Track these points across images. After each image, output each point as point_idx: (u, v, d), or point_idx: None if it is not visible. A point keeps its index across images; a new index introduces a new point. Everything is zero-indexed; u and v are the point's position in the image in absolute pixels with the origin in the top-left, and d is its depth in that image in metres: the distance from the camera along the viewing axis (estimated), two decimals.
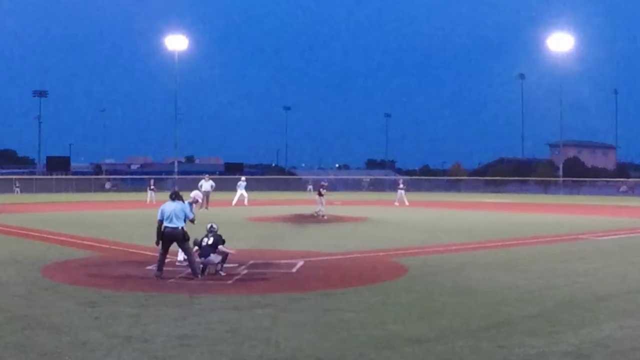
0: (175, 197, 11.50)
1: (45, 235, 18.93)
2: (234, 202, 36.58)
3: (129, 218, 26.90)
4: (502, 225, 23.94)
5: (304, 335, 7.33)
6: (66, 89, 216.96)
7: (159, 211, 11.31)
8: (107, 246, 16.32)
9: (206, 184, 33.25)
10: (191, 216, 11.58)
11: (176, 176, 67.16)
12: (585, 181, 67.86)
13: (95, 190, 61.74)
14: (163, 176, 71.96)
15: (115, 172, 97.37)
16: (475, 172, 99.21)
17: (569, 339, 7.18)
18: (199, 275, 11.06)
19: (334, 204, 33.07)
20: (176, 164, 77.37)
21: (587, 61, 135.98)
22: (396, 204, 38.04)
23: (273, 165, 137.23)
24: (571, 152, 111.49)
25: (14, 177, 63.75)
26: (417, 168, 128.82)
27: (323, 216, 26.64)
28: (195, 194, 12.74)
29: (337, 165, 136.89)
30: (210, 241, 11.42)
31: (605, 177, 79.49)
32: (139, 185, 59.50)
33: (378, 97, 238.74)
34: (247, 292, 9.94)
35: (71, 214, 29.99)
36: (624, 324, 7.98)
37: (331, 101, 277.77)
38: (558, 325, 7.85)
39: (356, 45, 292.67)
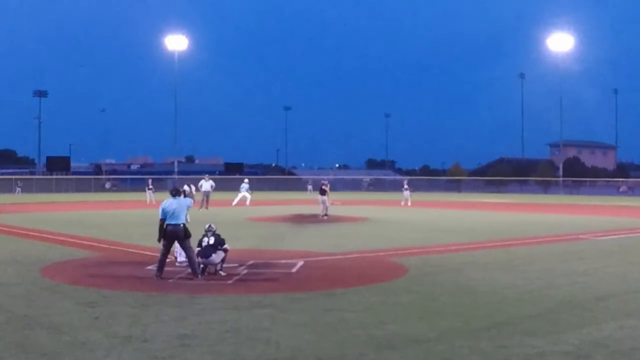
0: (176, 193, 11.53)
1: (45, 235, 18.93)
2: (235, 202, 36.62)
3: (129, 218, 26.90)
4: (502, 225, 23.93)
5: (304, 335, 7.33)
6: (66, 89, 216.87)
7: (160, 209, 11.29)
8: (107, 246, 16.31)
9: (206, 184, 33.26)
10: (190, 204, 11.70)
11: (176, 176, 67.12)
12: (585, 181, 67.90)
13: (95, 190, 61.83)
14: (163, 176, 71.97)
15: (115, 172, 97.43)
16: (475, 172, 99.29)
17: (569, 339, 7.18)
18: (199, 275, 11.06)
19: (334, 204, 33.00)
20: (176, 164, 77.41)
21: (587, 61, 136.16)
22: (402, 204, 38.60)
23: (273, 165, 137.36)
24: (571, 152, 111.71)
25: (15, 177, 63.85)
26: (417, 168, 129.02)
27: (323, 216, 26.63)
28: (186, 187, 12.61)
29: (337, 165, 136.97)
30: (212, 241, 11.42)
31: (605, 177, 79.60)
32: (138, 186, 59.45)
33: (378, 97, 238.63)
34: (247, 292, 9.94)
35: (71, 214, 30.00)
36: (624, 324, 7.98)
37: (331, 101, 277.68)
38: (558, 325, 7.85)
39: (356, 45, 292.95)
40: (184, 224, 11.24)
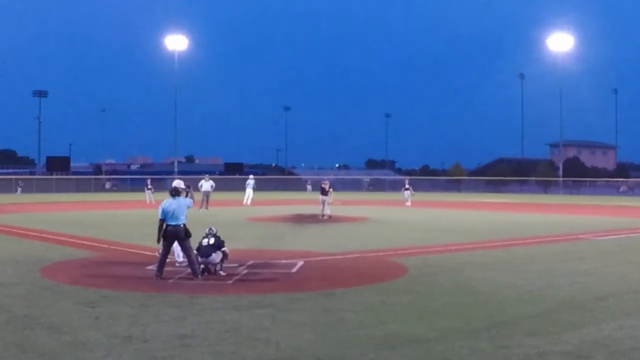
0: (175, 193, 11.51)
1: (45, 235, 18.93)
2: (245, 201, 36.91)
3: (129, 218, 26.90)
4: (502, 225, 23.93)
5: (304, 335, 7.33)
6: (66, 89, 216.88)
7: (160, 209, 11.29)
8: (107, 246, 16.31)
9: (206, 184, 33.26)
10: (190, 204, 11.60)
11: (176, 176, 67.08)
12: (585, 181, 67.89)
13: (95, 190, 61.80)
14: (163, 176, 71.95)
15: (115, 172, 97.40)
16: (475, 172, 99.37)
17: (569, 339, 7.18)
18: (199, 275, 11.06)
19: (334, 204, 32.94)
20: (176, 164, 77.46)
21: (587, 61, 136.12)
22: (407, 204, 38.54)
23: (273, 165, 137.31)
24: (571, 152, 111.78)
25: (15, 177, 63.85)
26: (417, 168, 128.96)
27: (323, 216, 26.62)
28: (177, 183, 12.21)
29: (337, 165, 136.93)
30: (212, 241, 11.43)
31: (605, 177, 79.60)
32: (139, 186, 59.40)
33: (378, 97, 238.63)
34: (247, 292, 9.94)
35: (71, 214, 29.99)
36: (624, 324, 7.98)
37: (331, 101, 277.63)
38: (558, 325, 7.85)
39: (356, 45, 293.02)
40: (184, 224, 11.24)
